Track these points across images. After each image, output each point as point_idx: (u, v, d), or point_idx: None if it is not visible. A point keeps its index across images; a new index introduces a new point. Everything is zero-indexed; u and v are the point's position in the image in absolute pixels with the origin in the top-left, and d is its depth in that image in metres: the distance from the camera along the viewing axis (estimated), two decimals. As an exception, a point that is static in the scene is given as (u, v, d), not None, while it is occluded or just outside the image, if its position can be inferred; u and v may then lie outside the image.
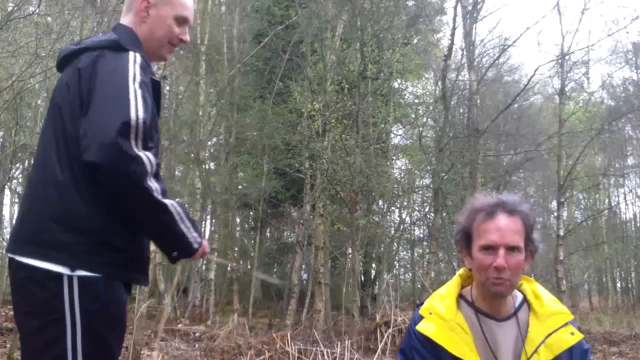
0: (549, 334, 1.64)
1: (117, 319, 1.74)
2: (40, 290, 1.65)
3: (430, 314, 1.73)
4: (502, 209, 1.67)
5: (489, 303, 1.71)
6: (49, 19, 9.83)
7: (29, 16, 8.24)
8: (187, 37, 1.94)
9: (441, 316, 1.70)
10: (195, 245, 1.78)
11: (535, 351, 1.61)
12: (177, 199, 1.81)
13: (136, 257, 1.79)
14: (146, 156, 1.64)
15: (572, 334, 1.65)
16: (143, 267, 1.83)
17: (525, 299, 1.74)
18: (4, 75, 8.41)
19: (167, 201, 1.70)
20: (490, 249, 1.63)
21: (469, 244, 1.71)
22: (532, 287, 1.76)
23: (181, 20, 1.90)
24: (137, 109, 1.63)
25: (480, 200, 1.73)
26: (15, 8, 7.66)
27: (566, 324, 1.67)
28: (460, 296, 1.78)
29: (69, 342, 1.63)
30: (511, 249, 1.63)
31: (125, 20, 1.91)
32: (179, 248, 1.79)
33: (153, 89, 1.79)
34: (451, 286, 1.80)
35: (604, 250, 18.99)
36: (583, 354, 1.65)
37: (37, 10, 8.32)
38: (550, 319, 1.67)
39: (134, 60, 1.72)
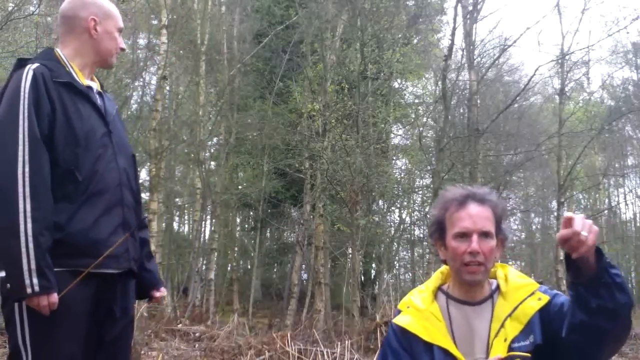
0: (515, 307, 1.69)
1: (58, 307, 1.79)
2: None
3: (408, 307, 1.81)
4: (472, 198, 1.74)
5: (465, 290, 1.77)
6: (49, 19, 9.83)
7: (29, 16, 8.24)
8: (123, 45, 2.23)
9: (417, 308, 1.78)
10: (28, 290, 1.72)
11: (502, 326, 1.67)
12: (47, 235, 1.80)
13: (75, 243, 1.85)
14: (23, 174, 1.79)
15: (539, 299, 1.69)
16: (88, 251, 1.86)
17: (497, 284, 1.80)
18: (4, 76, 8.41)
19: (30, 230, 1.74)
20: (464, 236, 1.70)
21: (443, 235, 1.76)
22: (504, 272, 1.82)
23: (120, 31, 2.19)
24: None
25: (452, 191, 1.80)
26: (15, 8, 7.67)
27: (532, 293, 1.71)
28: (439, 289, 1.84)
29: (18, 333, 1.80)
30: (484, 234, 1.69)
31: (65, 42, 2.11)
32: (9, 280, 1.76)
33: (66, 89, 1.97)
34: (430, 282, 1.88)
35: (604, 250, 18.94)
36: (560, 307, 1.67)
37: (37, 10, 8.32)
38: (516, 293, 1.73)
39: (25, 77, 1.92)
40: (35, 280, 1.73)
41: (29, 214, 1.76)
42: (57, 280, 1.79)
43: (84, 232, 1.88)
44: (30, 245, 1.74)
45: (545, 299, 1.70)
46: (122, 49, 2.19)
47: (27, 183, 1.78)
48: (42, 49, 2.21)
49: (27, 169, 1.79)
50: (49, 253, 1.79)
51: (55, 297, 1.77)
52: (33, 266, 1.73)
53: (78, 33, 2.09)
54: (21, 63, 2.01)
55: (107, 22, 2.11)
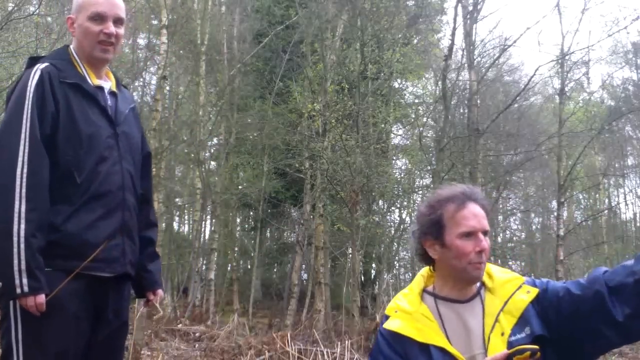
0: (506, 302, 1.70)
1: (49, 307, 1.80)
2: None
3: (396, 312, 1.79)
4: (470, 197, 1.75)
5: (459, 289, 1.76)
6: (49, 19, 9.83)
7: (29, 16, 8.23)
8: (112, 30, 2.00)
9: (405, 311, 1.77)
10: (18, 290, 1.75)
11: (496, 321, 1.68)
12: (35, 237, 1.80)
13: (70, 244, 1.86)
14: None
15: (528, 292, 1.70)
16: (82, 252, 1.85)
17: (482, 281, 1.80)
18: (4, 75, 8.41)
19: (23, 232, 1.75)
20: (470, 235, 1.70)
21: (440, 234, 1.75)
22: (486, 269, 1.82)
23: (96, 18, 1.99)
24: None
25: (447, 190, 1.80)
26: (15, 8, 7.67)
27: (520, 286, 1.73)
28: (425, 291, 1.83)
29: (12, 329, 1.81)
30: (485, 233, 1.73)
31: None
32: (1, 279, 1.79)
33: (73, 90, 1.94)
34: (414, 284, 1.87)
35: (604, 250, 18.98)
36: (566, 292, 1.66)
37: (37, 10, 8.31)
38: (503, 288, 1.74)
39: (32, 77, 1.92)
40: (24, 281, 1.75)
41: (23, 215, 1.77)
42: (48, 280, 1.79)
43: (79, 234, 1.88)
44: (22, 246, 1.75)
45: (535, 291, 1.70)
46: (108, 35, 2.00)
47: (24, 184, 1.79)
48: (59, 47, 2.17)
49: (25, 170, 1.80)
50: (42, 254, 1.79)
51: (42, 298, 1.78)
52: (23, 267, 1.75)
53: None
54: (32, 62, 2.01)
55: (80, 16, 2.02)
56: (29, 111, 1.86)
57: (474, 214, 1.72)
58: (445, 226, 1.74)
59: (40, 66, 1.95)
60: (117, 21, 2.03)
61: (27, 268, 1.75)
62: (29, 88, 1.89)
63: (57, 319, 1.83)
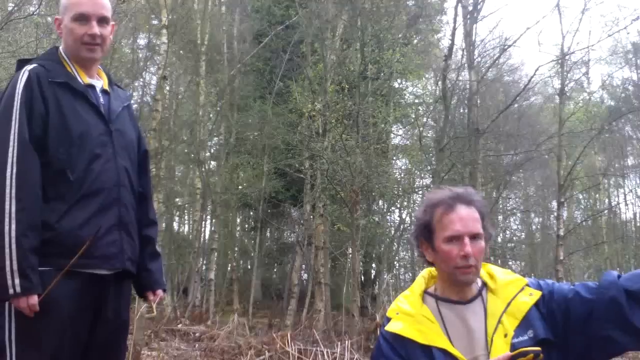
0: (508, 303, 1.70)
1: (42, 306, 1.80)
2: None
3: (397, 314, 1.78)
4: (459, 200, 1.73)
5: (457, 291, 1.75)
6: (49, 19, 9.83)
7: (29, 16, 8.23)
8: (95, 31, 1.99)
9: (407, 313, 1.76)
10: (10, 291, 1.75)
11: (499, 322, 1.67)
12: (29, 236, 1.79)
13: (65, 242, 1.85)
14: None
15: (531, 294, 1.70)
16: (77, 250, 1.83)
17: (483, 282, 1.79)
18: (4, 75, 8.41)
19: (14, 232, 1.75)
20: (455, 239, 1.69)
21: (431, 237, 1.75)
22: (486, 269, 1.82)
23: (80, 19, 2.00)
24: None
25: (437, 193, 1.79)
26: (15, 8, 7.67)
27: (522, 288, 1.72)
28: (426, 292, 1.83)
29: (5, 329, 1.81)
30: (474, 236, 1.69)
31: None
32: None
33: (62, 89, 1.94)
34: (415, 286, 1.86)
35: (604, 250, 18.98)
36: (575, 294, 1.66)
37: (37, 10, 8.31)
38: (505, 289, 1.73)
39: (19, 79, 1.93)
40: (17, 281, 1.75)
41: (13, 216, 1.77)
42: (42, 280, 1.79)
43: (73, 231, 1.87)
44: (13, 246, 1.75)
45: (537, 293, 1.70)
46: (92, 36, 2.00)
47: (14, 184, 1.79)
48: (48, 48, 2.19)
49: (14, 171, 1.81)
50: (35, 253, 1.79)
51: (34, 299, 1.77)
52: (15, 267, 1.74)
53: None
54: (20, 64, 2.02)
55: (65, 17, 2.04)
56: (18, 113, 1.86)
57: (460, 218, 1.70)
58: (434, 230, 1.74)
59: (28, 67, 1.95)
60: (102, 20, 2.03)
61: (19, 268, 1.75)
62: (17, 90, 1.89)
63: (52, 319, 1.82)
